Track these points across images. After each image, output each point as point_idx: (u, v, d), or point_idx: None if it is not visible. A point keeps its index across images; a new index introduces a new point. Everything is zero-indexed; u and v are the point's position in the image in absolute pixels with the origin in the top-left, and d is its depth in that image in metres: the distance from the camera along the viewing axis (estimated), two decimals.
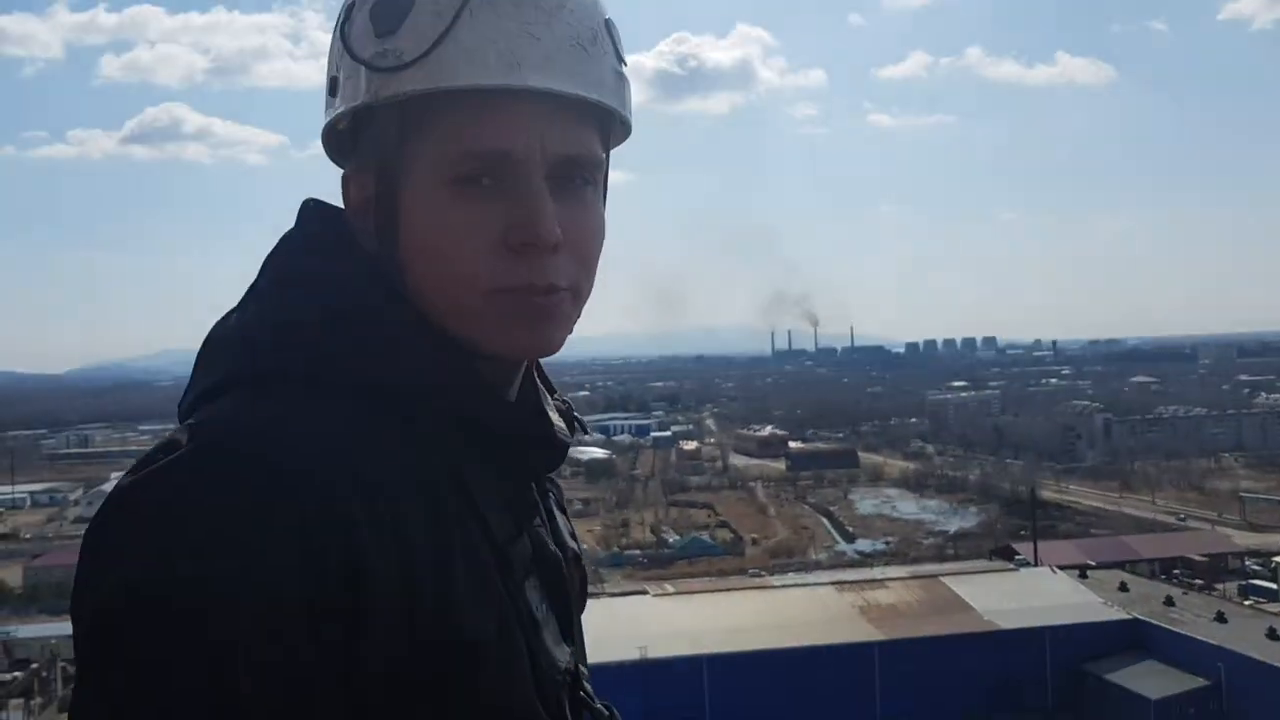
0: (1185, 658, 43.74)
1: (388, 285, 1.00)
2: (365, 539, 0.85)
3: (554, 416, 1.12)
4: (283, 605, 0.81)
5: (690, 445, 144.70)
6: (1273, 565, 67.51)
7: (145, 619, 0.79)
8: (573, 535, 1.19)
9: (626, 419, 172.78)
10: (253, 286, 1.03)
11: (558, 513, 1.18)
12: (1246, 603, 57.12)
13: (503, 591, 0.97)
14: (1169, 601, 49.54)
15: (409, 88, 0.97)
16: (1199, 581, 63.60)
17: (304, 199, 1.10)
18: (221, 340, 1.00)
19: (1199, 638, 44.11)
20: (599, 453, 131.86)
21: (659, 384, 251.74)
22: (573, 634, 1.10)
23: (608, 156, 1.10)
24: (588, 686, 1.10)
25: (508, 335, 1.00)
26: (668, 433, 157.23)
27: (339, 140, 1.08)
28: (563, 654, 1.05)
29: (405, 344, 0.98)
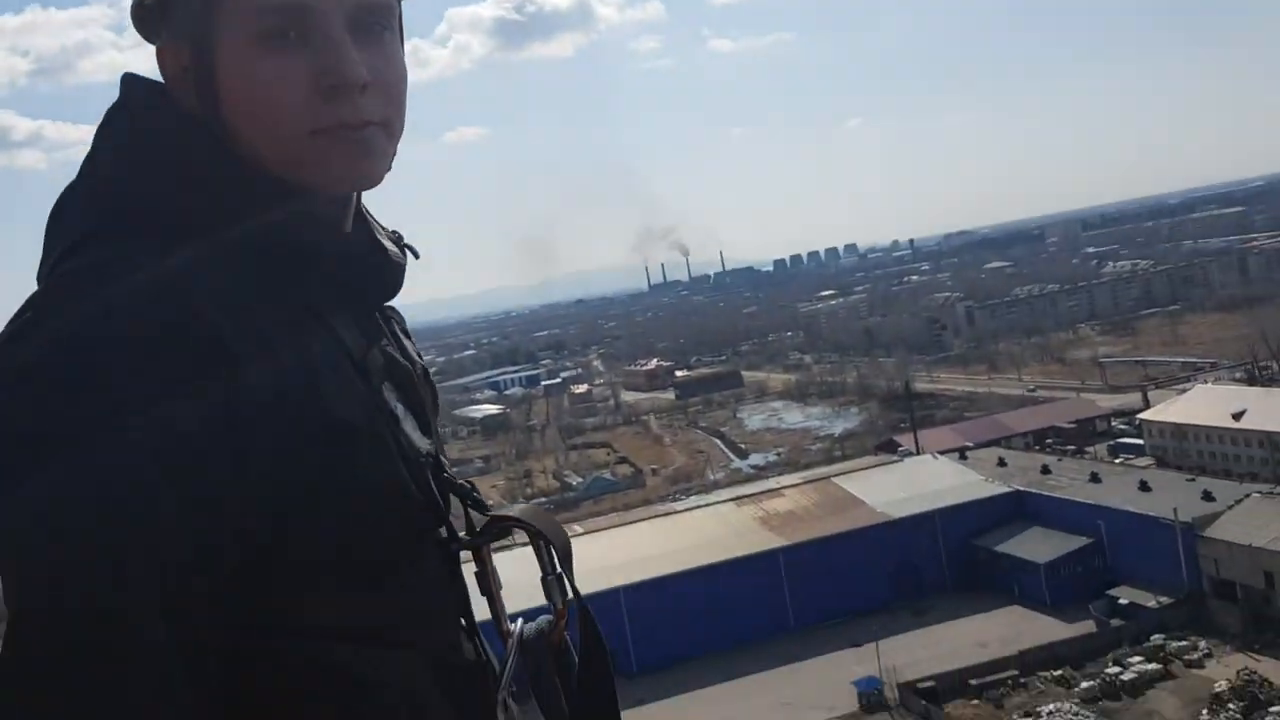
0: (1067, 520, 46.52)
1: (214, 139, 1.09)
2: (232, 347, 0.97)
3: (387, 244, 1.22)
4: (175, 422, 0.92)
5: (581, 388, 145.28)
6: (1136, 423, 71.77)
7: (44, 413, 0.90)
8: (419, 354, 1.32)
9: (516, 372, 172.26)
10: (88, 157, 1.10)
11: (403, 336, 1.29)
12: (1117, 461, 60.80)
13: (364, 390, 1.12)
14: (1045, 470, 52.40)
15: None
16: (1071, 447, 67.24)
17: (122, 73, 1.15)
18: (69, 207, 1.08)
19: (1077, 500, 46.94)
20: (492, 409, 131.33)
21: (543, 333, 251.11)
22: (430, 431, 1.23)
23: (399, 2, 1.16)
24: (450, 470, 1.25)
25: (331, 171, 1.08)
26: (558, 379, 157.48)
27: (148, 17, 1.12)
28: (423, 442, 1.19)
29: (243, 188, 1.08)
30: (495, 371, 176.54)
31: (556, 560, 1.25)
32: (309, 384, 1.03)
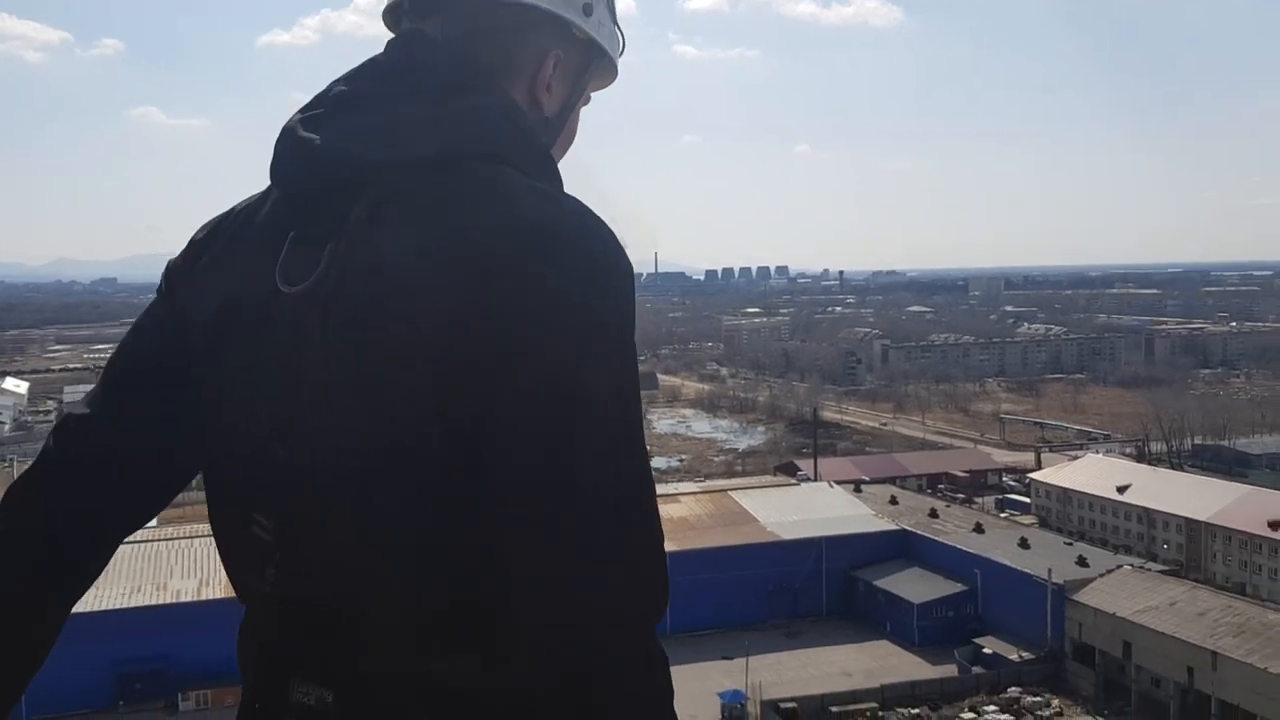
0: (946, 565, 47.63)
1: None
2: None
3: None
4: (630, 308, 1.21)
5: None
6: (1026, 481, 73.87)
7: (620, 298, 1.17)
8: None
9: None
10: (489, 102, 1.31)
11: None
12: (1003, 515, 62.35)
13: None
14: (933, 514, 53.58)
15: (615, 57, 1.50)
16: (960, 495, 68.86)
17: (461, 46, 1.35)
18: (488, 123, 1.28)
19: (959, 546, 48.09)
20: None
21: None
22: None
23: None
24: None
25: None
26: None
27: (559, 28, 1.40)
28: None
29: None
30: None
31: None
32: None
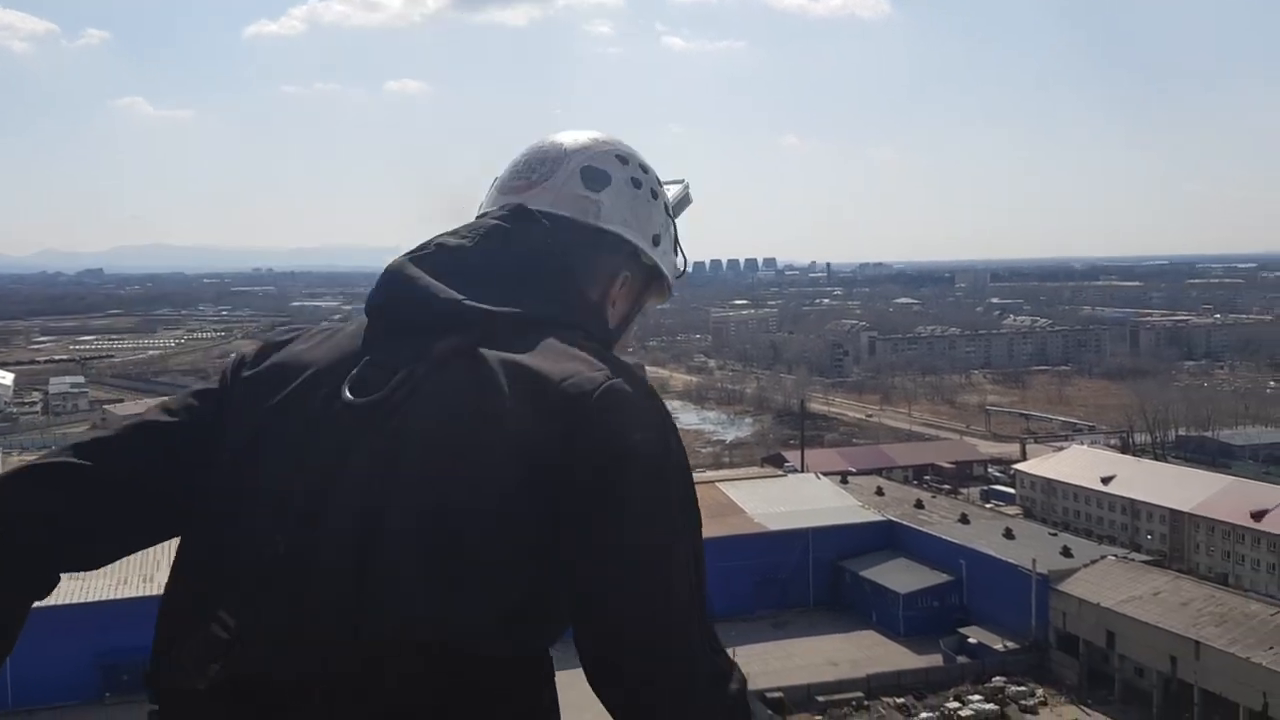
0: (931, 555, 47.79)
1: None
2: None
3: None
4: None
5: None
6: (1011, 472, 74.14)
7: (678, 470, 1.29)
8: None
9: None
10: (564, 274, 1.48)
11: None
12: (988, 505, 62.60)
13: None
14: (919, 504, 53.74)
15: (672, 280, 1.69)
16: (946, 486, 69.03)
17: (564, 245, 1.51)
18: (571, 301, 1.47)
19: (944, 537, 48.26)
20: None
21: None
22: None
23: None
24: None
25: None
26: None
27: (630, 252, 1.60)
28: None
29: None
30: None
31: None
32: None
